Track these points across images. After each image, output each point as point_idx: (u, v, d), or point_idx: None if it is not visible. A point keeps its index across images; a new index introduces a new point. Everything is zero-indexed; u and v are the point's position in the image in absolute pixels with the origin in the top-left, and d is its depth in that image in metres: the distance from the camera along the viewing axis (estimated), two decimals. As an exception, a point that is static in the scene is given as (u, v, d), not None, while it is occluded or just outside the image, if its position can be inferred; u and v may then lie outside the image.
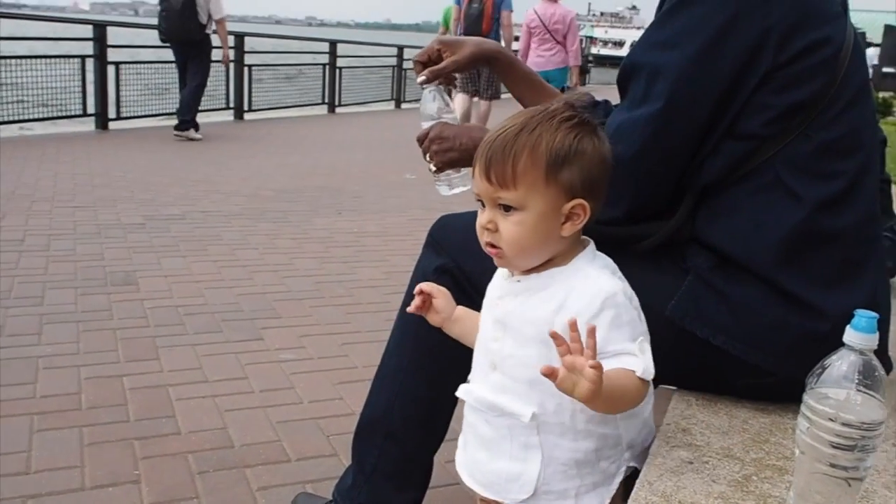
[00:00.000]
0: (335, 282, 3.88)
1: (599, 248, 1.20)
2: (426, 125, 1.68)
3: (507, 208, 1.11)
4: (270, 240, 4.58)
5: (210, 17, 8.26)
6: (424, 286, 1.35)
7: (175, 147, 8.00)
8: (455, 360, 1.66)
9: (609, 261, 1.18)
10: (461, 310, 1.35)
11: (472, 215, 1.43)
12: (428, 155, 1.66)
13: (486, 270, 1.52)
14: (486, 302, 1.26)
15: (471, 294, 1.56)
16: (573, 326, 0.98)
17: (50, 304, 3.30)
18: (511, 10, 8.45)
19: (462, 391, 1.25)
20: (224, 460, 2.16)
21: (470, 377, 1.27)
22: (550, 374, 0.98)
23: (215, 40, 8.67)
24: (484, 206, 1.15)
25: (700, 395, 1.41)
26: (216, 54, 8.89)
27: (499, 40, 8.21)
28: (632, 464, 1.20)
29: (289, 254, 4.32)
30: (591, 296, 1.08)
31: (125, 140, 8.31)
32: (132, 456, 2.15)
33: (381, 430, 1.67)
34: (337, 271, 4.07)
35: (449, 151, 1.61)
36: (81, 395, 2.49)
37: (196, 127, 8.60)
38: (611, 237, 1.37)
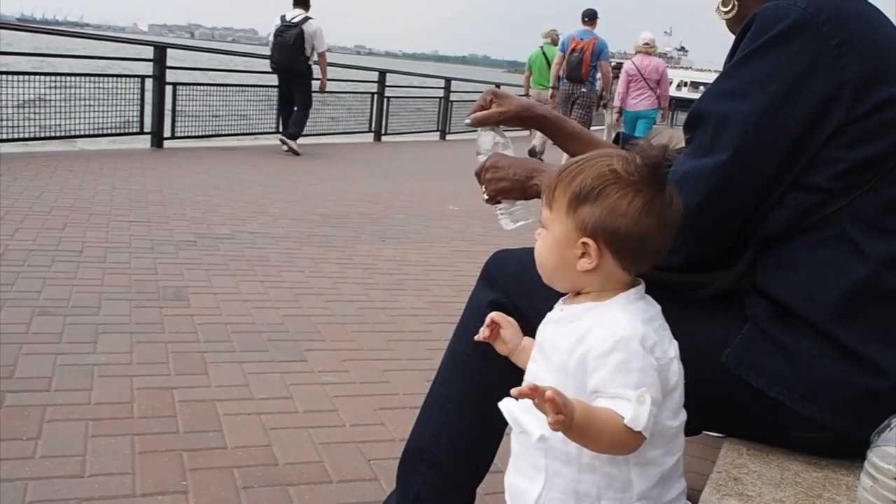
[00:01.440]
0: (378, 308, 3.93)
1: (657, 293, 1.21)
2: (482, 159, 1.73)
3: (543, 226, 1.23)
4: (316, 263, 4.65)
5: (314, 49, 9.46)
6: (495, 316, 1.39)
7: (225, 168, 8.14)
8: (503, 394, 1.69)
9: (653, 308, 1.19)
10: (528, 340, 1.37)
11: (528, 252, 1.48)
12: (483, 185, 1.71)
13: (540, 308, 1.54)
14: None
15: (524, 330, 1.59)
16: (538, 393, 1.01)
17: (105, 314, 3.38)
18: (608, 60, 10.22)
19: (502, 403, 1.26)
20: (268, 477, 2.20)
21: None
22: (532, 391, 1.01)
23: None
24: None
25: (751, 444, 1.40)
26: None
27: (594, 84, 9.97)
28: None
29: (333, 278, 4.38)
30: (606, 335, 1.10)
31: (178, 159, 8.50)
32: (181, 467, 2.20)
33: (427, 458, 1.68)
34: (380, 298, 4.12)
35: (502, 181, 1.65)
36: (134, 405, 2.55)
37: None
38: (670, 284, 1.39)
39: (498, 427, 1.69)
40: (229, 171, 7.98)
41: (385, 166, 9.98)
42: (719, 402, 1.38)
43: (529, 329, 1.57)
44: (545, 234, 1.22)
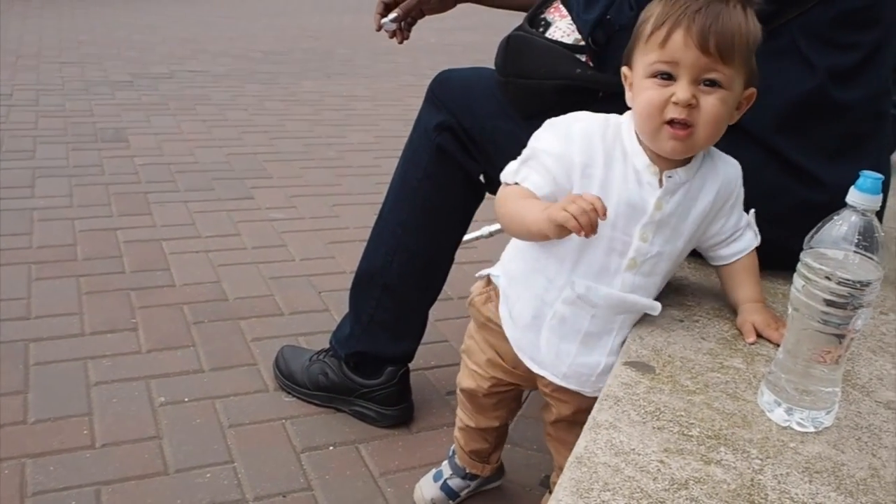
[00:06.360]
0: (325, 144, 3.86)
1: (604, 108, 1.16)
2: None
3: (712, 84, 1.00)
4: (259, 101, 4.53)
5: None
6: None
7: (160, 6, 7.78)
8: (453, 219, 1.68)
9: None
10: None
11: (471, 71, 1.41)
12: None
13: (486, 128, 1.52)
14: (622, 206, 1.08)
15: (471, 150, 1.57)
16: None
17: (41, 157, 3.29)
18: None
19: (584, 287, 1.12)
20: (218, 312, 2.21)
21: (578, 274, 1.13)
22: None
23: None
24: (670, 76, 1.00)
25: (692, 259, 1.40)
26: None
27: None
28: None
29: (278, 115, 4.28)
30: (736, 175, 1.12)
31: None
32: (129, 305, 2.19)
33: (379, 282, 1.70)
34: (327, 134, 4.04)
35: None
36: (77, 247, 2.51)
37: None
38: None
39: (449, 251, 1.70)
40: (163, 9, 7.63)
41: (328, 0, 9.59)
42: None
43: (477, 148, 1.54)
44: (724, 94, 1.03)
